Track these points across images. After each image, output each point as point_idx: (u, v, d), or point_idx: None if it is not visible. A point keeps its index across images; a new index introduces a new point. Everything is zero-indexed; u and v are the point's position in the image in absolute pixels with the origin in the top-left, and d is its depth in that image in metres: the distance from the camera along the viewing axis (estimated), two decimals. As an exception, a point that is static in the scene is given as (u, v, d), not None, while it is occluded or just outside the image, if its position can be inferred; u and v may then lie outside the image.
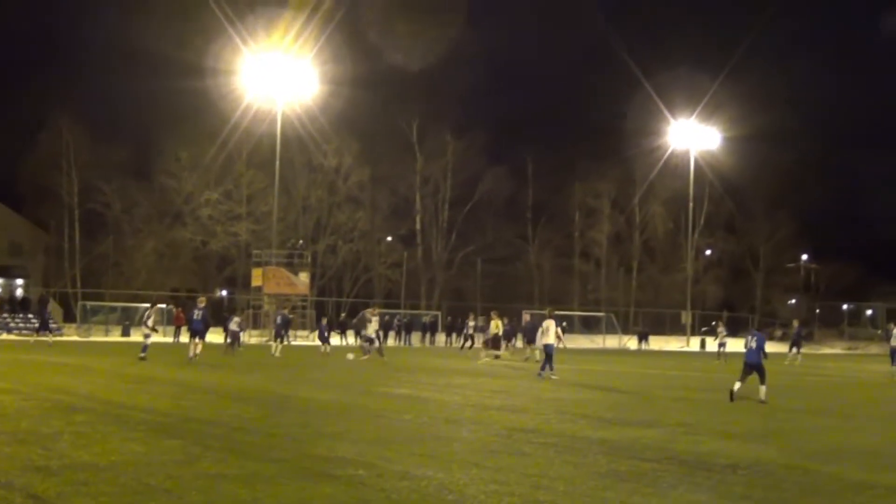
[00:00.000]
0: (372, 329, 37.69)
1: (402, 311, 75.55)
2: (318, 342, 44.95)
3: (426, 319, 70.48)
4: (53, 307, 68.90)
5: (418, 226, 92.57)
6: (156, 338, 39.27)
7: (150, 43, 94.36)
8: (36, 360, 30.44)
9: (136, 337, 57.39)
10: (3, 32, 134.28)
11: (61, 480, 9.03)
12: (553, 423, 15.33)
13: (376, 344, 37.15)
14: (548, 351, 27.05)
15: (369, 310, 40.17)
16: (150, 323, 31.67)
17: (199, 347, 31.39)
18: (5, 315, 63.38)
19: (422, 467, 10.33)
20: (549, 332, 27.04)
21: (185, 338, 53.41)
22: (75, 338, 58.80)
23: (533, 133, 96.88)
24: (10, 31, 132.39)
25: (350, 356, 37.20)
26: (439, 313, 77.02)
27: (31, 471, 9.49)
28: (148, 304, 37.67)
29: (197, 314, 31.85)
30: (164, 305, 59.16)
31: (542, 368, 27.26)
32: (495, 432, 13.86)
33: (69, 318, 71.20)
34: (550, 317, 27.61)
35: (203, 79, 73.12)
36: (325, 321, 47.55)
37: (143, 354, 30.68)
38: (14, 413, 14.57)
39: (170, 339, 52.82)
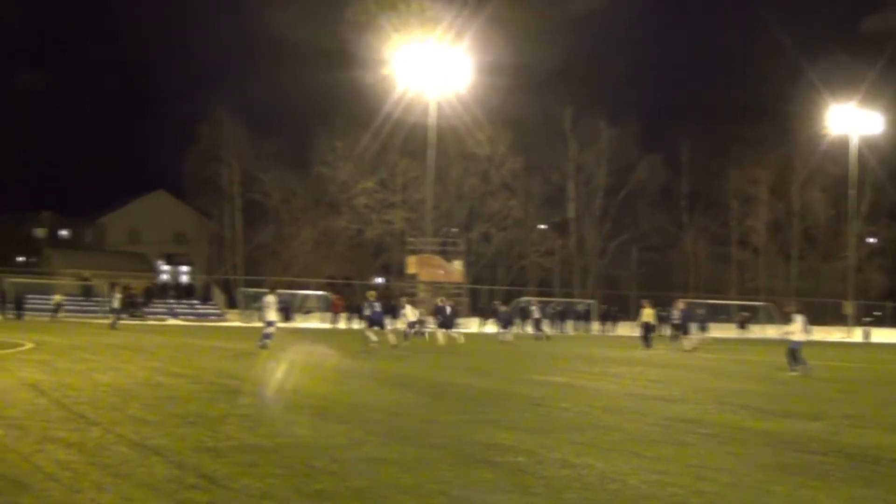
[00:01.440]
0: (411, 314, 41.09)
1: (555, 299, 75.27)
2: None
3: (580, 308, 70.04)
4: (216, 294, 70.98)
5: (572, 214, 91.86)
6: (315, 323, 40.19)
7: (306, 34, 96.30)
8: (202, 345, 31.40)
9: (296, 322, 58.83)
10: (165, 26, 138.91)
11: (230, 461, 9.29)
12: (713, 414, 15.06)
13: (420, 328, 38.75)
14: (794, 347, 25.16)
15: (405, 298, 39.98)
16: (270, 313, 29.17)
17: (378, 336, 32.22)
18: (171, 301, 65.57)
19: (581, 455, 10.27)
20: (797, 327, 25.08)
21: (342, 324, 54.55)
22: (238, 323, 60.42)
23: (687, 119, 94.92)
24: (172, 24, 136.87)
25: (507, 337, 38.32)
26: (593, 301, 76.43)
27: (202, 451, 9.79)
28: (303, 292, 37.81)
29: (374, 307, 32.78)
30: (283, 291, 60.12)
31: (796, 363, 25.21)
32: (654, 422, 13.69)
33: (231, 304, 73.25)
34: (796, 311, 25.56)
35: (357, 69, 74.19)
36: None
37: (263, 342, 28.68)
38: (184, 396, 15.06)
39: (328, 325, 53.66)
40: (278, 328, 30.88)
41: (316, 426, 12.06)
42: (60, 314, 53.76)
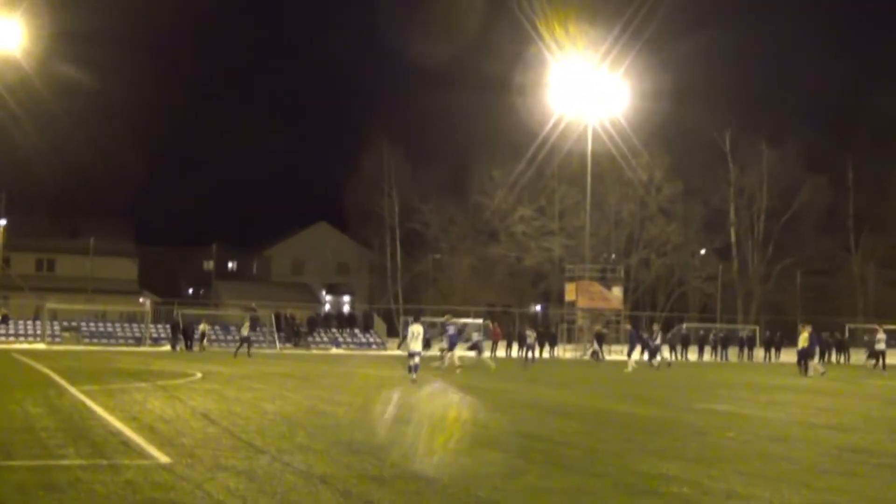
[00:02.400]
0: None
1: (718, 324, 73.70)
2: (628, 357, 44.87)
3: (743, 334, 68.39)
4: (378, 323, 71.91)
5: (733, 238, 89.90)
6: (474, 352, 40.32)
7: (462, 61, 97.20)
8: (364, 374, 31.88)
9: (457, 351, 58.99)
10: (325, 58, 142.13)
11: (394, 490, 9.41)
12: (886, 443, 14.53)
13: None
14: None
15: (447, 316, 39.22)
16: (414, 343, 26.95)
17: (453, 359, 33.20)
18: (334, 330, 66.77)
19: (749, 486, 10.04)
20: None
21: (501, 352, 54.54)
22: (398, 352, 61.04)
23: (852, 137, 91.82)
24: (334, 55, 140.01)
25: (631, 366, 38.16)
26: (757, 328, 74.51)
27: (367, 480, 9.94)
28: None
29: (449, 330, 34.93)
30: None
31: None
32: (824, 451, 13.28)
33: (392, 332, 74.05)
34: None
35: (513, 97, 74.51)
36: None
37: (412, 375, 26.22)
38: (348, 424, 15.30)
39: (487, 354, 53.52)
40: (437, 356, 31.10)
41: (477, 455, 12.08)
42: (205, 344, 54.99)
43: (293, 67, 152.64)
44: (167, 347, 55.36)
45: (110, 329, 62.22)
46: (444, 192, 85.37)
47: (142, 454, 11.42)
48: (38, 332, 58.86)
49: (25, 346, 52.83)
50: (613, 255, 79.18)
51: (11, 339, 57.02)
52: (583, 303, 66.35)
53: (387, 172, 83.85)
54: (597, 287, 67.21)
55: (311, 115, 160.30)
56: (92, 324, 62.59)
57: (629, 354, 42.45)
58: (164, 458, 11.03)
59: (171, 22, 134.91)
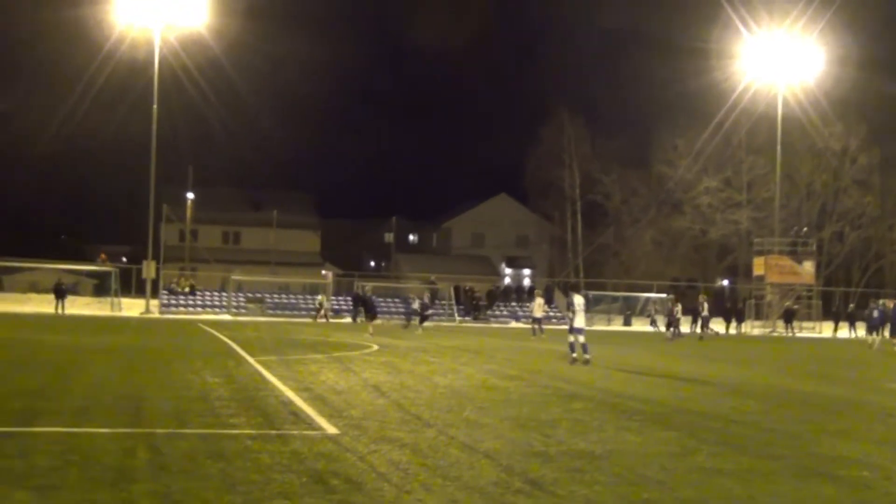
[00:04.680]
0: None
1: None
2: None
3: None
4: (558, 297, 71.64)
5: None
6: (654, 327, 39.57)
7: (647, 28, 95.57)
8: (540, 348, 31.68)
9: (638, 326, 58.34)
10: (506, 30, 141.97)
11: (558, 466, 9.19)
12: None
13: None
14: None
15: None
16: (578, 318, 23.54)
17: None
18: (514, 304, 66.77)
19: (938, 473, 9.40)
20: None
21: (685, 328, 53.51)
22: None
23: None
24: (514, 27, 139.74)
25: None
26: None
27: (531, 456, 9.75)
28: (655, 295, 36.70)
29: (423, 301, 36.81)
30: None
31: None
32: None
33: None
34: None
35: (700, 62, 72.72)
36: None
37: (574, 355, 23.52)
38: (518, 399, 15.15)
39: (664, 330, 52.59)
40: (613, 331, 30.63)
41: (647, 433, 11.75)
42: (321, 315, 55.48)
43: (474, 38, 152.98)
44: (348, 319, 56.38)
45: (293, 301, 63.82)
46: (625, 163, 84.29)
47: (310, 425, 11.53)
48: (224, 303, 60.91)
49: (211, 316, 54.68)
50: (805, 229, 76.43)
51: (199, 309, 59.12)
52: (772, 278, 64.32)
53: (567, 143, 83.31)
54: (787, 261, 65.08)
55: (493, 86, 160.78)
56: (275, 295, 64.34)
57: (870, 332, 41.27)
58: (331, 430, 11.10)
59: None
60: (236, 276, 62.91)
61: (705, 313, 46.32)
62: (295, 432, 10.87)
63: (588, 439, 11.03)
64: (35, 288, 64.16)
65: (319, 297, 58.65)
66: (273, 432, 10.81)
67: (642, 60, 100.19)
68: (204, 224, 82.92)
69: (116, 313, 54.57)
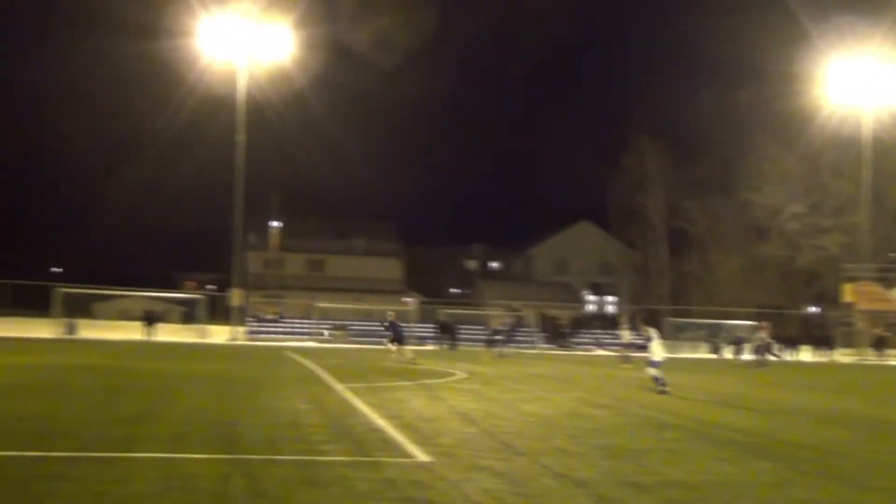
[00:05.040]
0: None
1: None
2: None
3: None
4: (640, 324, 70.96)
5: None
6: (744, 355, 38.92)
7: (730, 53, 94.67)
8: (627, 376, 31.41)
9: (725, 354, 57.52)
10: (589, 57, 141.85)
11: (653, 497, 9.12)
12: None
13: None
14: None
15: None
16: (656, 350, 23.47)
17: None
18: (598, 331, 66.36)
19: None
20: None
21: (772, 356, 52.61)
22: (665, 354, 59.89)
23: None
24: (598, 54, 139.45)
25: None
26: None
27: (625, 486, 9.69)
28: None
29: (397, 325, 37.12)
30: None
31: None
32: None
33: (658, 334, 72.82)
34: None
35: (785, 86, 71.74)
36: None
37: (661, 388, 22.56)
38: (608, 428, 15.04)
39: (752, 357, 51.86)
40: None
41: (742, 463, 11.59)
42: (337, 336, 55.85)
43: (557, 67, 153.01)
44: (432, 347, 56.52)
45: (377, 328, 64.12)
46: (710, 190, 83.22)
47: (402, 452, 11.57)
48: (309, 330, 61.40)
49: (297, 343, 55.14)
50: (894, 254, 74.72)
51: (285, 336, 59.67)
52: (862, 304, 63.02)
53: (650, 170, 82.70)
54: (877, 288, 63.79)
55: (575, 114, 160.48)
56: (359, 323, 64.74)
57: None
58: (423, 457, 11.13)
59: (431, 31, 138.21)
60: (321, 304, 63.43)
61: (767, 340, 45.40)
62: (387, 460, 10.92)
63: (682, 469, 10.92)
64: (125, 315, 65.42)
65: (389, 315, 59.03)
66: (366, 459, 10.87)
67: (726, 85, 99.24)
68: (290, 252, 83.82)
69: (204, 340, 55.29)
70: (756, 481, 10.23)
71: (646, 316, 24.34)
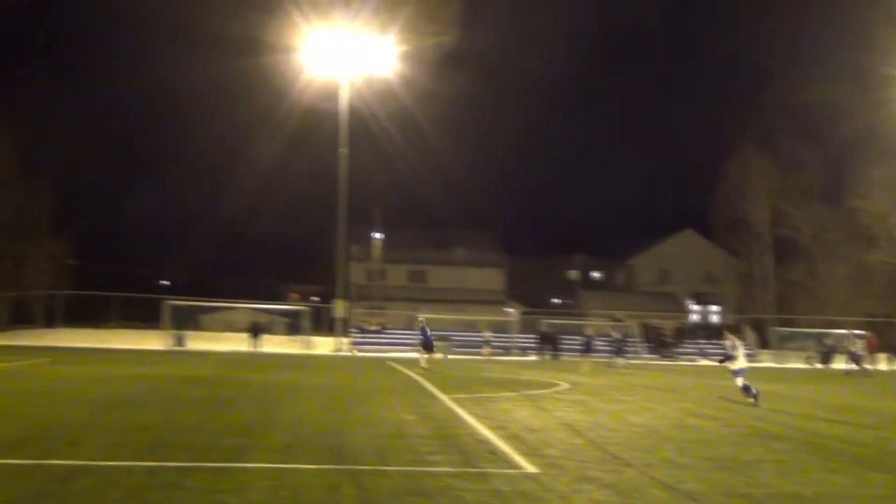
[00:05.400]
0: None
1: None
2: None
3: None
4: (748, 333, 69.93)
5: None
6: (842, 364, 38.02)
7: (834, 55, 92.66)
8: (731, 386, 30.93)
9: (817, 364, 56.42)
10: (694, 64, 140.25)
11: (766, 510, 9.00)
12: None
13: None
14: None
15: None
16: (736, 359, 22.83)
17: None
18: (702, 341, 65.52)
19: None
20: None
21: (883, 365, 51.43)
22: (770, 364, 59.01)
23: None
24: (695, 59, 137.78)
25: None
26: None
27: (735, 498, 9.61)
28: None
29: (426, 331, 36.52)
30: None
31: None
32: None
33: (764, 344, 71.72)
34: None
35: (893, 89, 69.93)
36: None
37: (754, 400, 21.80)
38: (716, 439, 14.87)
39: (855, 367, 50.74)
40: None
41: (855, 474, 11.39)
42: (486, 350, 55.58)
43: (656, 73, 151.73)
44: (534, 357, 56.41)
45: (478, 338, 64.25)
46: (815, 196, 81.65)
47: (509, 463, 11.60)
48: (412, 341, 61.70)
49: (399, 354, 55.46)
50: None
51: (387, 347, 60.08)
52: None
53: (754, 178, 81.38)
54: None
55: (675, 122, 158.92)
56: (461, 333, 64.88)
57: None
58: (530, 468, 11.15)
59: (531, 45, 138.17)
60: (423, 314, 63.74)
61: (859, 351, 44.32)
62: (494, 471, 10.96)
63: (794, 481, 10.77)
64: (231, 327, 66.57)
65: (485, 332, 59.16)
66: (473, 470, 10.92)
67: (830, 89, 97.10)
68: (392, 263, 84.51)
69: (309, 351, 55.97)
70: (870, 493, 10.05)
71: (729, 326, 23.47)
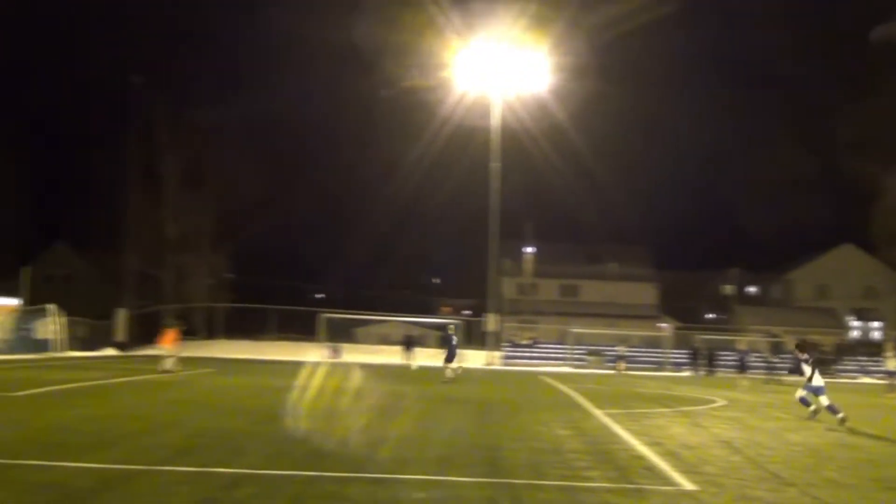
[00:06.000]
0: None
1: None
2: None
3: None
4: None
5: None
6: None
7: None
8: (894, 405, 29.99)
9: None
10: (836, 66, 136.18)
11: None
12: None
13: None
14: None
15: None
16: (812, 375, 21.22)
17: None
18: (862, 358, 63.54)
19: None
20: None
21: None
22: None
23: None
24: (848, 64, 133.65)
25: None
26: None
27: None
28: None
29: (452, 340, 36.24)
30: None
31: None
32: None
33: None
34: None
35: None
36: None
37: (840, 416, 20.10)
38: (880, 459, 14.48)
39: None
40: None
41: None
42: (621, 366, 54.59)
43: (809, 83, 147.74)
44: (688, 373, 55.58)
45: (632, 353, 63.63)
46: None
47: (666, 480, 11.49)
48: (564, 355, 61.55)
49: (551, 368, 55.31)
50: None
51: (539, 361, 60.00)
52: None
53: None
54: None
55: (831, 135, 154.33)
56: (613, 348, 64.41)
57: None
58: (688, 486, 11.03)
59: (682, 60, 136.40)
60: (575, 329, 63.56)
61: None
62: (651, 487, 10.88)
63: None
64: (385, 339, 67.44)
65: (619, 347, 58.65)
66: (629, 486, 10.86)
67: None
68: (543, 278, 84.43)
69: (460, 365, 56.26)
70: None
71: (800, 342, 22.18)
